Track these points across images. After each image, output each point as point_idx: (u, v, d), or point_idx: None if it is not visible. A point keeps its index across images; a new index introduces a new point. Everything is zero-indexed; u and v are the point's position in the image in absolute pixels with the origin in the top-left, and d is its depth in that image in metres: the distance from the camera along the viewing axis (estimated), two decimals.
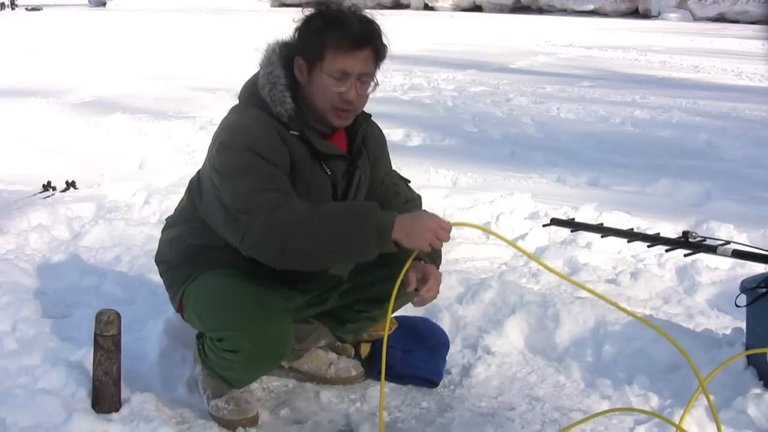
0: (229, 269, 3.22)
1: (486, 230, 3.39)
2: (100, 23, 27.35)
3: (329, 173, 3.25)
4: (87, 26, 26.15)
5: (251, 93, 3.22)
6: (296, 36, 3.17)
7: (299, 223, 2.93)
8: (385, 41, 3.16)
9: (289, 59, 3.16)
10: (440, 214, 3.60)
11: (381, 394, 3.18)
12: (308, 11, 3.16)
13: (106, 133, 9.77)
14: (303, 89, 3.16)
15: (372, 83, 3.17)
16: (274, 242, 2.95)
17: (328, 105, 3.13)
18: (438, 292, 3.26)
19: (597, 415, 3.36)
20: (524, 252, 3.31)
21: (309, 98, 3.16)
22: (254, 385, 3.58)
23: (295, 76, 3.17)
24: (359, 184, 3.36)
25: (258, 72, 3.23)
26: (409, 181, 3.66)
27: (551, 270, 3.22)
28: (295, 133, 3.14)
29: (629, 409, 3.41)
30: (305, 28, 3.13)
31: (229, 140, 3.12)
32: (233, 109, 3.28)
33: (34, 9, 50.96)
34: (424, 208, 3.54)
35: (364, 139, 3.36)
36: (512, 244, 3.31)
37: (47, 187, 6.76)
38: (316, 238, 2.94)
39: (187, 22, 29.70)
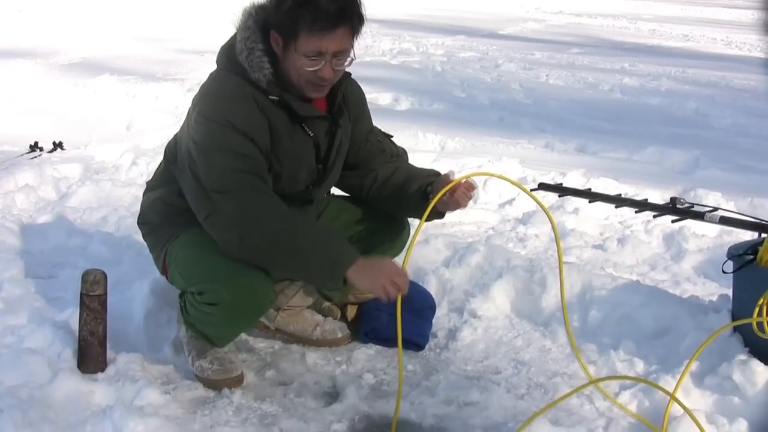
0: None
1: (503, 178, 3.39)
2: None
3: (311, 135, 3.25)
4: None
5: (228, 57, 3.19)
6: (272, 5, 3.09)
7: (268, 221, 3.02)
8: (363, 12, 3.10)
9: (267, 23, 3.11)
10: None
11: (399, 357, 3.24)
12: None
13: (93, 95, 9.72)
14: (279, 60, 3.13)
15: (348, 58, 3.14)
16: (237, 228, 3.02)
17: (303, 81, 3.11)
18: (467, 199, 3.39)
19: (586, 385, 3.33)
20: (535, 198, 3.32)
21: (285, 70, 3.13)
22: (239, 344, 3.58)
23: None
24: (341, 144, 3.38)
25: (235, 35, 3.19)
26: (392, 136, 3.68)
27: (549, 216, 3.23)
28: (275, 98, 3.13)
29: (624, 377, 3.41)
30: (278, 3, 3.05)
31: (207, 110, 3.12)
32: (211, 76, 3.26)
33: None
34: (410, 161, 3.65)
35: (344, 98, 3.35)
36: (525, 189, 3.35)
37: (34, 147, 6.72)
38: (276, 240, 3.02)
39: None
